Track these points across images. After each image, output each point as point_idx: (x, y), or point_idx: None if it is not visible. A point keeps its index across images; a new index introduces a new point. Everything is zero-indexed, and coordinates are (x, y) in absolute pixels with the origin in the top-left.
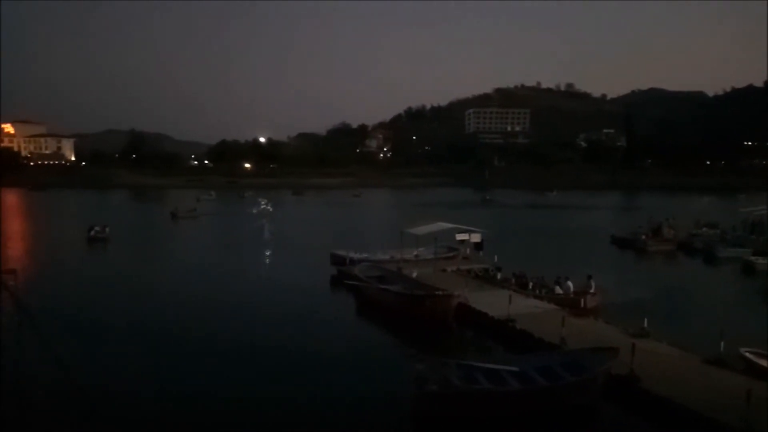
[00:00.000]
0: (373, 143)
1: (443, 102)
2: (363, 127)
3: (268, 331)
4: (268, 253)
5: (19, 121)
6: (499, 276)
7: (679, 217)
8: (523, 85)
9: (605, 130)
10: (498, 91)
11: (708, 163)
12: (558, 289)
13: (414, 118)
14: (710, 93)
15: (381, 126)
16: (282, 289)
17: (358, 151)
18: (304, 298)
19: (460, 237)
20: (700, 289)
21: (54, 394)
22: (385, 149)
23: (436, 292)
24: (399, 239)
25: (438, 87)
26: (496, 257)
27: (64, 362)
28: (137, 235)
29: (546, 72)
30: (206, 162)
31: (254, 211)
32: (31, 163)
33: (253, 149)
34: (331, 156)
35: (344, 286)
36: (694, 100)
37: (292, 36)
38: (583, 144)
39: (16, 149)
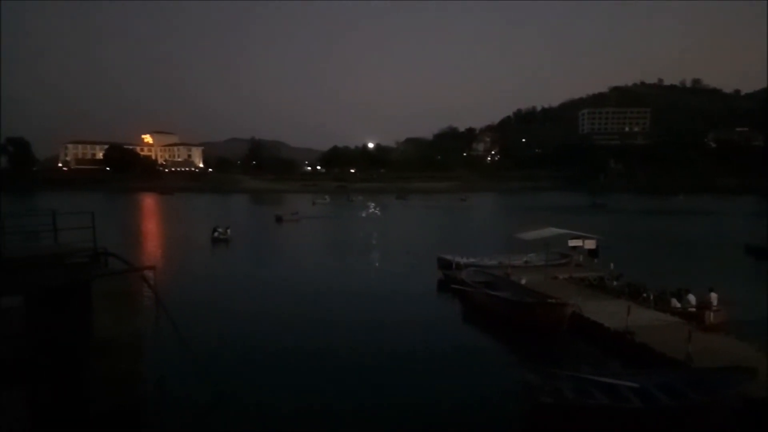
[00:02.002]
0: (480, 146)
1: (554, 103)
2: (470, 131)
3: (374, 334)
4: (375, 256)
5: (156, 132)
6: (615, 284)
7: None
8: (642, 83)
9: (738, 129)
10: (615, 89)
11: None
12: (675, 302)
13: (523, 120)
14: None
15: (489, 129)
16: (389, 292)
17: (465, 154)
18: (411, 302)
19: (573, 243)
20: None
21: (185, 380)
22: (492, 152)
23: (548, 300)
24: (507, 244)
25: (549, 87)
26: (612, 265)
27: (193, 351)
28: (252, 237)
29: (669, 68)
30: (319, 167)
31: (363, 214)
32: (166, 170)
33: (362, 154)
34: (437, 160)
35: (451, 290)
36: None
37: (400, 43)
38: (712, 144)
39: (153, 157)
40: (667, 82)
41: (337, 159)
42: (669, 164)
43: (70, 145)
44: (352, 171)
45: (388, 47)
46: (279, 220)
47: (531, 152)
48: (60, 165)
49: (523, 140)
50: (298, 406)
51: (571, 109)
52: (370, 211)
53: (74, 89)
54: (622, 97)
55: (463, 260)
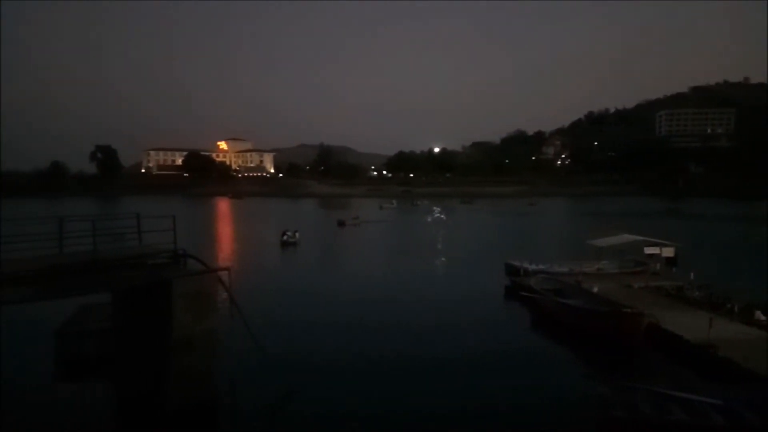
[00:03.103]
0: (550, 150)
1: (629, 104)
2: (539, 134)
3: (440, 340)
4: (440, 261)
5: (231, 139)
6: (697, 294)
7: None
8: (726, 82)
9: None
10: (695, 89)
11: None
12: (760, 315)
13: (596, 122)
14: None
15: (559, 132)
16: (454, 297)
17: (533, 158)
18: (477, 309)
19: (649, 251)
20: None
21: (256, 379)
22: (563, 156)
23: (623, 310)
24: (578, 251)
25: (623, 88)
26: (692, 274)
27: (264, 350)
28: (319, 241)
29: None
30: (384, 172)
31: (428, 219)
32: (239, 175)
33: (427, 159)
34: (504, 164)
35: (519, 297)
36: None
37: (467, 44)
38: None
39: (228, 163)
40: (754, 80)
41: (403, 164)
42: (754, 168)
43: (152, 152)
44: (418, 176)
45: (453, 49)
46: (341, 224)
47: (603, 156)
48: (143, 171)
49: (595, 143)
50: (365, 407)
51: (647, 110)
52: (435, 215)
53: (156, 98)
54: (704, 97)
55: (532, 267)
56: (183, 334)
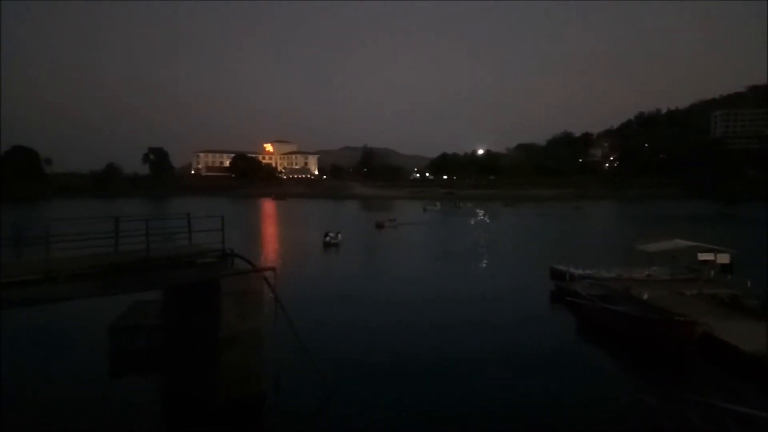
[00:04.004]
0: (597, 152)
1: (682, 105)
2: (586, 136)
3: (482, 343)
4: (482, 264)
5: (277, 141)
6: (755, 302)
7: None
8: None
9: None
10: (753, 88)
11: None
12: None
13: (646, 123)
14: None
15: (607, 134)
16: (498, 301)
17: (580, 161)
18: (521, 313)
19: (703, 257)
20: None
21: (299, 378)
22: (611, 158)
23: (674, 317)
24: (627, 256)
25: (676, 88)
26: (749, 282)
27: (308, 350)
28: (361, 242)
29: None
30: (427, 174)
31: (471, 221)
32: (284, 177)
33: (471, 161)
34: (550, 166)
35: (564, 303)
36: None
37: (511, 44)
38: None
39: (273, 165)
40: None
41: (446, 166)
42: None
43: (201, 154)
44: (461, 178)
45: (496, 48)
46: (379, 226)
47: (654, 158)
48: (192, 172)
49: (646, 145)
50: (406, 408)
51: (701, 110)
52: (479, 218)
53: (206, 100)
54: (763, 96)
55: (578, 271)
56: (230, 331)
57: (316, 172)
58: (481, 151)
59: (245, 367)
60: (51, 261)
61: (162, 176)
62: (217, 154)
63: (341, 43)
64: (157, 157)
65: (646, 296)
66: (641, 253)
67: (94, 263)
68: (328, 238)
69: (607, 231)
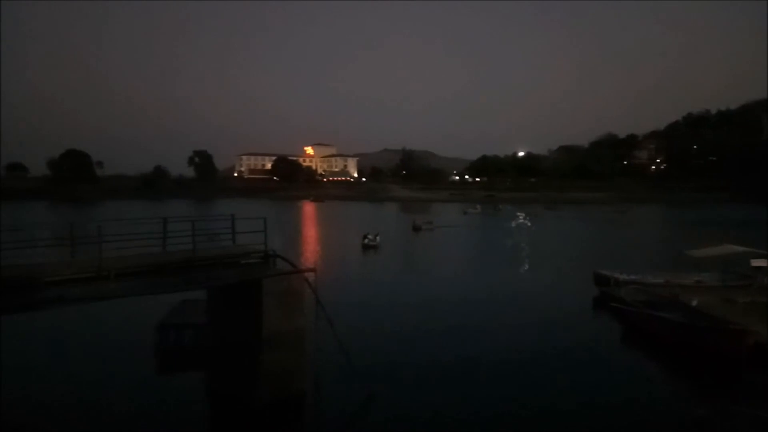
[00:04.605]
0: (642, 154)
1: (733, 105)
2: (632, 137)
3: (522, 348)
4: (523, 268)
5: (317, 144)
6: None
7: None
8: None
9: None
10: None
11: None
12: None
13: (695, 124)
14: None
15: (653, 135)
16: (538, 306)
17: (624, 163)
18: (563, 318)
19: (756, 263)
20: None
21: (340, 379)
22: (657, 161)
23: (726, 326)
24: (675, 262)
25: (727, 87)
26: None
27: (348, 351)
28: (399, 244)
29: None
30: (467, 177)
31: (512, 224)
32: (324, 179)
33: (512, 163)
34: (593, 169)
35: (608, 309)
36: None
37: (552, 44)
38: None
39: (314, 167)
40: None
41: (486, 168)
42: None
43: (244, 157)
44: (501, 180)
45: (539, 49)
46: (416, 228)
47: (703, 160)
48: (235, 174)
49: (694, 147)
50: (446, 413)
51: (755, 111)
52: (519, 221)
53: (249, 104)
54: None
55: (623, 277)
56: (272, 331)
57: (356, 175)
58: (521, 153)
59: (287, 367)
60: (103, 260)
61: (206, 178)
62: (259, 157)
63: (383, 45)
64: (202, 160)
65: (695, 303)
66: (690, 259)
67: (142, 262)
68: (366, 240)
69: (653, 235)
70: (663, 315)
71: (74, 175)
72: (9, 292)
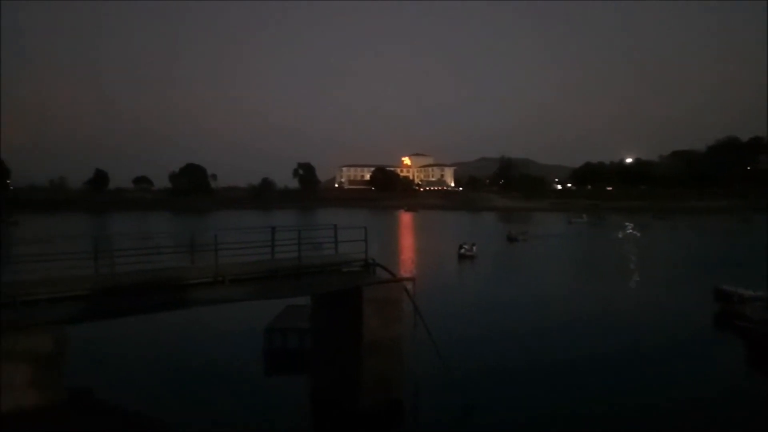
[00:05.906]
0: None
1: None
2: (756, 140)
3: (636, 366)
4: (633, 282)
5: (414, 154)
6: None
7: None
8: None
9: None
10: None
11: None
12: None
13: None
14: None
15: None
16: (653, 323)
17: (749, 168)
18: (681, 338)
19: None
20: None
21: (437, 387)
22: None
23: None
24: None
25: None
26: None
27: (446, 360)
28: (496, 254)
29: None
30: (569, 185)
31: (618, 235)
32: (421, 189)
33: (618, 170)
34: (711, 175)
35: (731, 327)
36: None
37: (658, 48)
38: None
39: (411, 177)
40: None
41: (590, 175)
42: None
43: (344, 168)
44: (607, 188)
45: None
46: (511, 239)
47: None
48: (336, 185)
49: None
50: (544, 425)
51: None
52: (627, 231)
53: (350, 115)
54: None
55: (748, 293)
56: (372, 338)
57: (452, 184)
58: (629, 160)
59: (386, 374)
60: (218, 266)
61: (309, 189)
62: (359, 168)
63: (476, 55)
64: (305, 172)
65: None
66: None
67: (253, 269)
68: (463, 250)
69: None
70: None
71: (192, 186)
72: (153, 294)
